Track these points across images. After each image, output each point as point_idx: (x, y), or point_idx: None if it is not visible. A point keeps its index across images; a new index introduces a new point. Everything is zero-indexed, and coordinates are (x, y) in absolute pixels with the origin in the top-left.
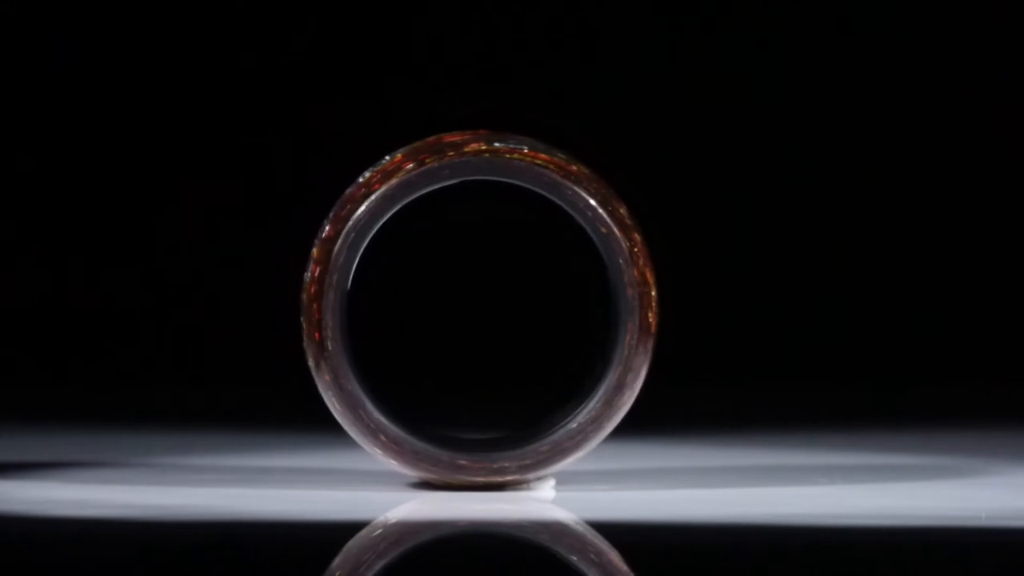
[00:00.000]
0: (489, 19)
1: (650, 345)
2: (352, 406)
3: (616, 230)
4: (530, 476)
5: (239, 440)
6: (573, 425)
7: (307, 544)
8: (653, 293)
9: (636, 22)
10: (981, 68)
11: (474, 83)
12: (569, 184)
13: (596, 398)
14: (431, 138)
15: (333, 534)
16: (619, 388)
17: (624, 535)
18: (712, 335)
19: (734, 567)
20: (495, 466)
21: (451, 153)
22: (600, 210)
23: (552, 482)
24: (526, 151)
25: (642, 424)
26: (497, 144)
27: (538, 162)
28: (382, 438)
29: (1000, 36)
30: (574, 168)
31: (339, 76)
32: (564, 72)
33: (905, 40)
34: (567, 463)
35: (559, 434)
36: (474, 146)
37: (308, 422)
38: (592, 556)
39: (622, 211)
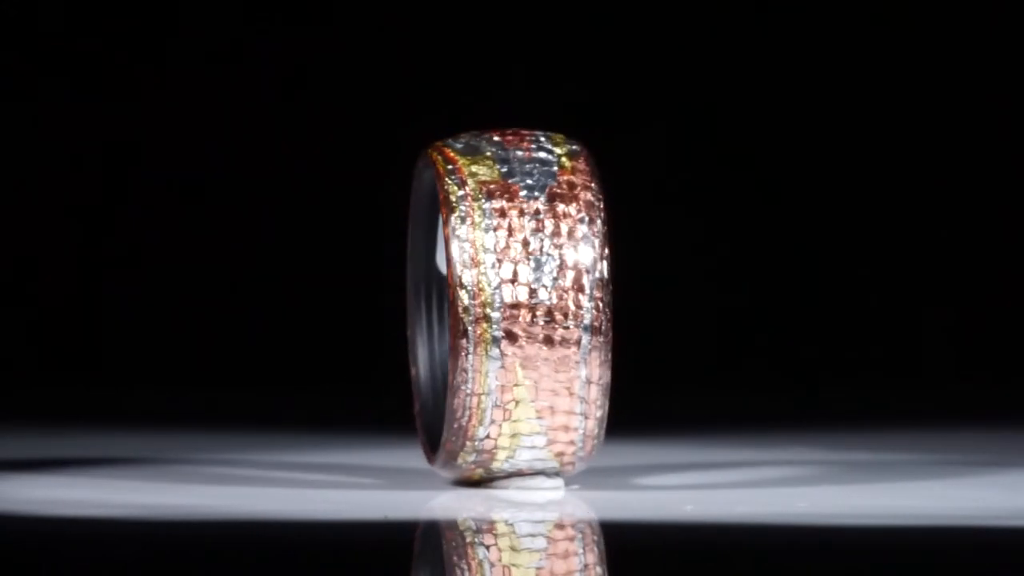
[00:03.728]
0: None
1: (460, 344)
2: (411, 392)
3: (447, 230)
4: (449, 474)
5: (254, 440)
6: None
7: (323, 543)
8: (460, 295)
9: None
10: (982, 68)
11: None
12: (439, 183)
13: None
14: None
15: (350, 533)
16: (447, 387)
17: (624, 535)
18: (712, 335)
19: (734, 567)
20: (435, 461)
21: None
22: (444, 209)
23: (549, 482)
24: (444, 149)
25: (642, 424)
26: (447, 141)
27: (438, 159)
28: (415, 424)
29: (1001, 36)
30: (462, 170)
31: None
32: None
33: (905, 40)
34: (462, 466)
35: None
36: (436, 142)
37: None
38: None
39: (457, 213)
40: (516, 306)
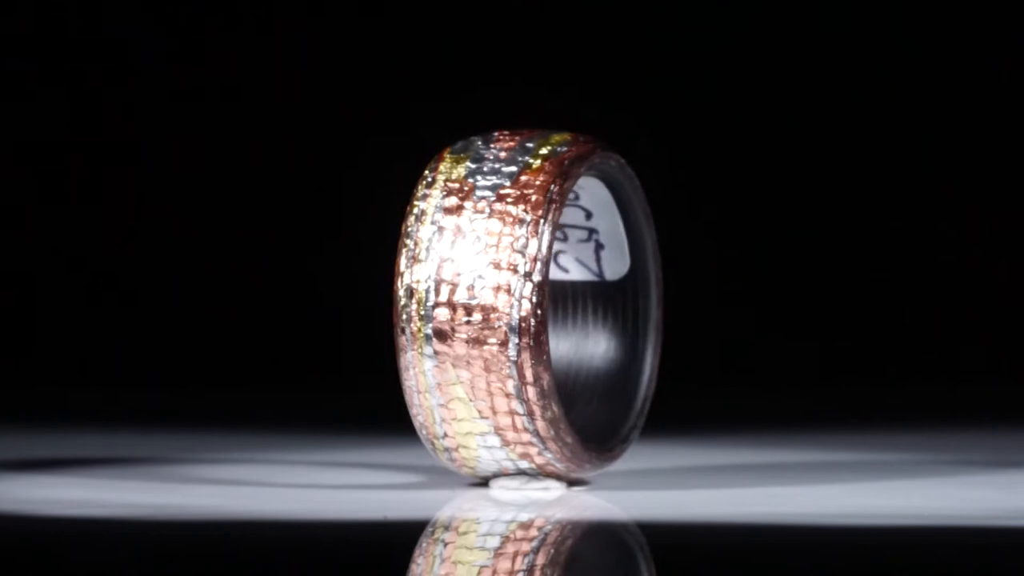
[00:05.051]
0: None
1: (399, 342)
2: None
3: (403, 225)
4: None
5: (254, 440)
6: None
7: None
8: (399, 293)
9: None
10: (980, 68)
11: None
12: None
13: None
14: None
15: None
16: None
17: (622, 535)
18: (714, 335)
19: (735, 567)
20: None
21: None
22: (408, 207)
23: (541, 483)
24: (445, 147)
25: (643, 425)
26: (456, 141)
27: (434, 158)
28: None
29: (1001, 36)
30: (438, 168)
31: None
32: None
33: (904, 39)
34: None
35: None
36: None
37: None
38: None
39: (414, 211)
40: (447, 305)
